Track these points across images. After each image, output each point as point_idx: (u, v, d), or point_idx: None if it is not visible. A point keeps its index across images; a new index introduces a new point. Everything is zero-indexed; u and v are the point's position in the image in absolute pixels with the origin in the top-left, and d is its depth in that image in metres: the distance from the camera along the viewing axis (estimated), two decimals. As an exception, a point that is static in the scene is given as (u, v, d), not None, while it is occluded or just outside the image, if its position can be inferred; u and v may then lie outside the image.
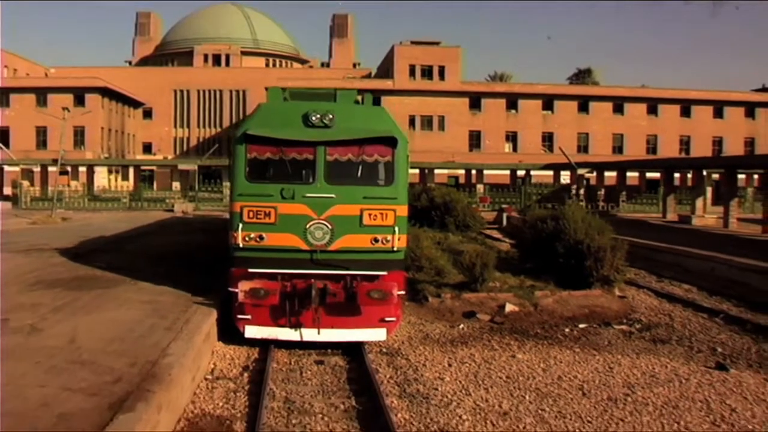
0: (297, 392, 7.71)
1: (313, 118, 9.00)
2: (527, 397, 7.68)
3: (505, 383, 8.19)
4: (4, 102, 59.86)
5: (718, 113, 64.17)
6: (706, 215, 33.42)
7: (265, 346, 9.22)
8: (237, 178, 9.06)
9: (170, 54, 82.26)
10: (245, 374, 8.34)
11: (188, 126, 74.01)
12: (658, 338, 10.70)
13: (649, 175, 49.87)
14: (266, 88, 11.37)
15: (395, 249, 9.04)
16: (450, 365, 8.90)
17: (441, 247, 17.66)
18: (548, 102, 62.94)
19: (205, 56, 78.39)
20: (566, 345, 10.13)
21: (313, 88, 17.33)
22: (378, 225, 8.94)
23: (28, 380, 6.05)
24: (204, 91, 73.86)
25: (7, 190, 48.04)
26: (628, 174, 47.77)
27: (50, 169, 46.31)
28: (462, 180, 53.19)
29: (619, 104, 63.37)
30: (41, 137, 60.16)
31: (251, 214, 8.88)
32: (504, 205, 36.93)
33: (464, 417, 7.01)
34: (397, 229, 9.00)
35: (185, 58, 79.38)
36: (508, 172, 50.76)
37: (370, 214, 8.92)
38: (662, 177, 39.48)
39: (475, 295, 12.53)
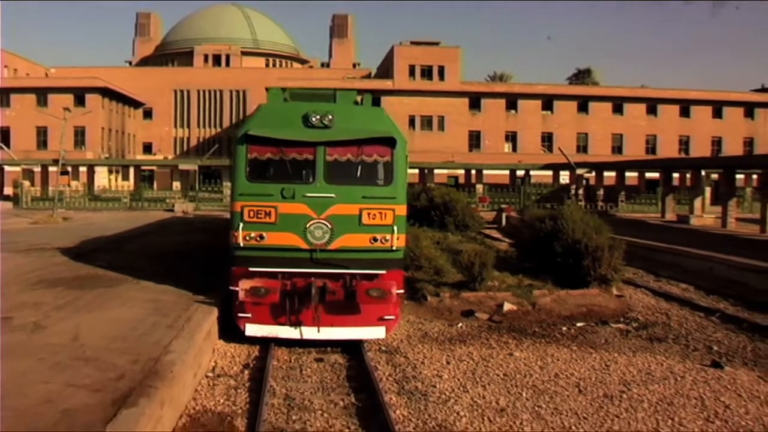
0: (297, 389, 7.81)
1: (313, 119, 9.11)
2: (524, 394, 7.78)
3: (502, 380, 8.29)
4: (4, 102, 60.01)
5: (718, 113, 64.29)
6: (704, 215, 33.54)
7: (265, 344, 9.32)
8: (238, 178, 9.16)
9: (170, 54, 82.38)
10: (246, 372, 8.44)
11: (188, 126, 74.14)
12: (655, 337, 10.80)
13: (648, 175, 49.97)
14: (266, 89, 11.49)
15: (394, 248, 9.15)
16: (448, 363, 9.00)
17: (440, 247, 17.75)
18: (548, 102, 63.07)
19: (206, 56, 78.52)
20: (563, 343, 10.23)
21: (313, 89, 17.44)
22: (377, 224, 9.04)
23: (33, 377, 6.15)
24: (204, 91, 73.99)
25: (8, 190, 48.18)
26: (628, 174, 47.88)
27: (51, 169, 46.45)
28: (461, 180, 53.32)
29: (618, 104, 63.50)
30: (42, 137, 60.29)
31: (252, 214, 8.99)
32: (503, 205, 37.03)
33: (462, 413, 7.11)
34: (396, 228, 9.10)
35: (185, 58, 79.50)
36: (507, 172, 50.88)
37: (369, 214, 9.02)
38: (661, 177, 39.58)
39: (474, 294, 12.63)
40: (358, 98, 11.37)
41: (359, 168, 9.26)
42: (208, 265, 13.52)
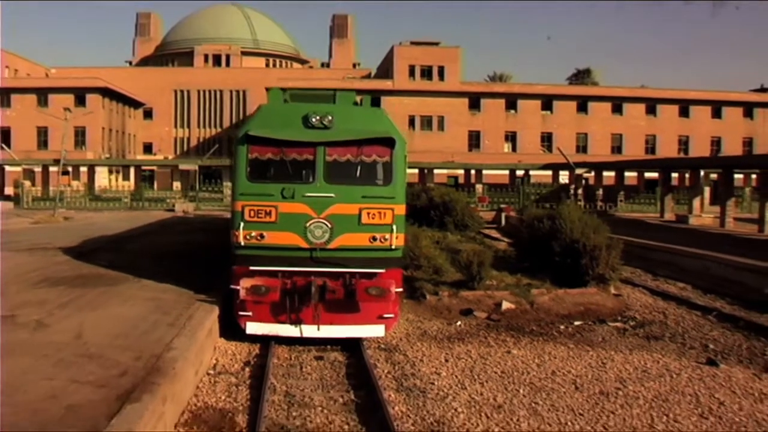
0: (297, 386, 7.92)
1: (313, 120, 9.21)
2: (521, 391, 7.88)
3: (500, 378, 8.40)
4: (5, 102, 60.09)
5: (717, 113, 64.38)
6: (703, 215, 33.66)
7: (265, 342, 9.42)
8: (238, 178, 9.27)
9: (170, 54, 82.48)
10: (246, 369, 8.55)
11: (188, 126, 74.23)
12: (652, 335, 10.90)
13: (647, 175, 50.07)
14: (267, 90, 11.64)
15: (393, 247, 9.25)
16: (446, 361, 9.11)
17: (439, 247, 17.85)
18: (547, 102, 63.15)
19: (206, 56, 78.60)
20: (561, 341, 10.34)
21: (312, 89, 17.53)
22: (376, 224, 9.15)
23: (37, 373, 6.26)
24: (204, 92, 74.09)
25: (9, 190, 48.30)
26: (627, 174, 47.99)
27: (51, 169, 46.56)
28: (461, 180, 53.41)
29: (617, 104, 63.58)
30: (42, 137, 60.38)
31: (252, 213, 9.09)
32: (502, 205, 37.14)
33: (459, 410, 7.22)
34: (395, 227, 9.21)
35: (185, 58, 79.60)
36: (507, 172, 50.97)
37: (368, 213, 9.13)
38: (660, 177, 39.69)
39: (473, 293, 12.73)
40: (358, 99, 11.48)
41: (359, 168, 9.36)
42: (208, 265, 13.63)
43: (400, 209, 9.37)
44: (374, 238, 9.15)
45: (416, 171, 46.95)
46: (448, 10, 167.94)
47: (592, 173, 48.64)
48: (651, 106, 63.58)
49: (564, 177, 49.19)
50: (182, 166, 51.41)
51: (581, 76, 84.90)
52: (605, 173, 47.79)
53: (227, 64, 78.07)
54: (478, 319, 11.62)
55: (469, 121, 62.08)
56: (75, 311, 9.09)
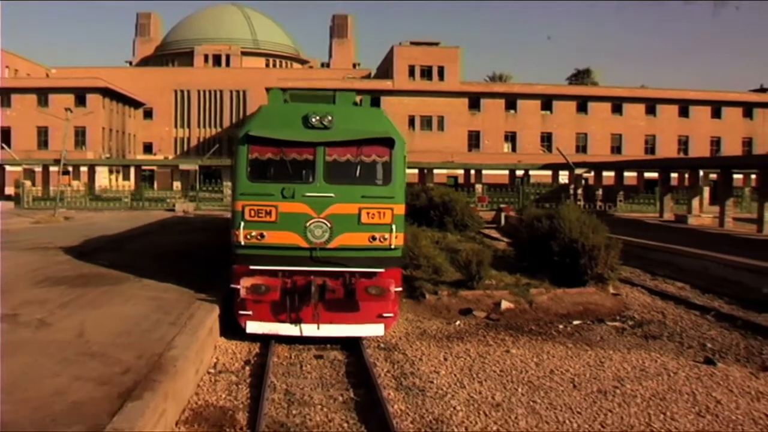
0: (297, 385, 7.98)
1: (313, 120, 9.28)
2: (520, 390, 7.94)
3: (498, 377, 8.46)
4: (5, 102, 60.14)
5: (716, 113, 64.43)
6: (702, 215, 33.73)
7: (265, 341, 9.48)
8: (239, 178, 9.33)
9: (171, 54, 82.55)
10: (247, 368, 8.61)
11: (188, 126, 74.29)
12: (650, 334, 10.96)
13: (647, 175, 50.14)
14: (267, 91, 11.73)
15: (392, 247, 9.31)
16: (446, 359, 9.17)
17: (439, 246, 17.90)
18: (547, 102, 63.21)
19: (206, 56, 78.65)
20: (559, 341, 10.40)
21: (312, 89, 17.60)
22: (376, 223, 9.21)
23: (41, 371, 6.33)
24: (204, 92, 74.15)
25: (9, 190, 48.38)
26: (627, 174, 48.06)
27: (51, 168, 46.62)
28: (461, 180, 53.47)
29: (617, 104, 63.64)
30: (42, 137, 60.44)
31: (253, 213, 9.16)
32: (502, 205, 37.22)
33: (458, 408, 7.28)
34: (394, 227, 9.27)
35: (185, 58, 79.66)
36: (506, 172, 51.04)
37: (368, 213, 9.19)
38: (659, 177, 39.77)
39: (472, 293, 12.79)
40: (358, 99, 11.55)
41: (358, 168, 9.42)
42: (209, 264, 13.69)
43: (400, 209, 9.44)
44: (374, 238, 9.22)
45: (416, 171, 47.03)
46: (448, 10, 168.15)
47: (592, 173, 48.72)
48: (650, 106, 63.65)
49: (564, 177, 49.26)
50: (182, 166, 51.48)
51: (581, 76, 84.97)
52: (605, 173, 47.86)
53: (227, 64, 78.13)
54: (477, 319, 11.68)
55: (468, 121, 62.14)
56: (77, 310, 9.16)
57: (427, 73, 61.66)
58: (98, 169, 54.30)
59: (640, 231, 25.73)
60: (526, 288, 13.17)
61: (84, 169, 52.43)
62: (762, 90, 70.06)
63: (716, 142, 64.05)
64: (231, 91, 73.92)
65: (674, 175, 45.08)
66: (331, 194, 9.16)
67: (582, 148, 61.87)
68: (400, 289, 9.89)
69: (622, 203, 42.33)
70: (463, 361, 9.13)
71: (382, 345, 9.84)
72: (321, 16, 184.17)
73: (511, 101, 62.73)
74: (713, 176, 44.69)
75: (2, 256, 14.39)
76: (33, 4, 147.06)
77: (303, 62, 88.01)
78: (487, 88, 65.81)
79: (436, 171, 49.54)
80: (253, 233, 9.15)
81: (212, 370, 8.41)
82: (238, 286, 9.08)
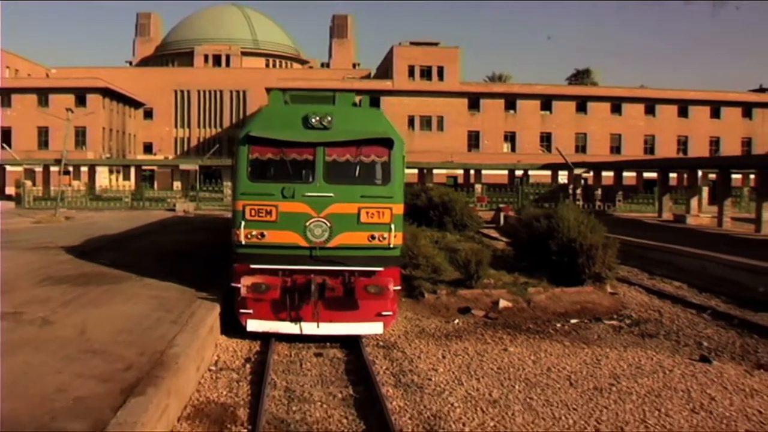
0: (297, 382, 8.07)
1: (313, 120, 9.38)
2: (517, 387, 8.04)
3: (496, 374, 8.55)
4: (5, 102, 60.28)
5: (716, 113, 64.55)
6: (700, 214, 33.84)
7: (266, 339, 9.57)
8: (239, 178, 9.43)
9: (171, 54, 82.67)
10: (247, 365, 8.70)
11: (189, 126, 74.42)
12: (647, 333, 11.05)
13: (646, 175, 50.28)
14: (267, 92, 11.88)
15: (391, 246, 9.42)
16: (444, 357, 9.27)
17: (438, 246, 17.99)
18: (546, 102, 63.33)
19: (206, 57, 78.78)
20: (557, 339, 10.49)
21: (312, 90, 17.73)
22: (375, 223, 9.31)
23: (45, 368, 6.44)
24: (204, 92, 74.26)
25: (10, 190, 48.51)
26: (626, 174, 48.17)
27: (52, 168, 46.74)
28: (461, 180, 53.58)
29: (617, 104, 63.76)
30: (43, 137, 60.56)
31: (253, 213, 9.26)
32: (501, 205, 37.34)
33: (456, 405, 7.38)
34: (393, 226, 9.37)
35: (186, 58, 79.79)
36: (506, 172, 51.17)
37: (367, 213, 9.29)
38: (658, 177, 39.88)
39: (470, 292, 12.89)
40: (357, 99, 11.66)
41: (357, 168, 9.52)
42: (209, 264, 13.79)
43: (399, 209, 9.54)
44: (373, 237, 9.32)
45: (416, 171, 47.15)
46: (448, 10, 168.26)
47: (591, 173, 48.83)
48: (650, 106, 63.76)
49: (563, 177, 49.36)
50: (183, 166, 51.59)
51: (581, 76, 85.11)
52: (604, 173, 47.97)
53: (227, 64, 78.25)
54: (475, 317, 11.77)
55: (468, 121, 62.25)
56: (79, 308, 9.26)
57: (426, 73, 61.78)
58: (99, 169, 54.44)
59: (639, 231, 25.84)
60: (524, 287, 13.27)
61: (84, 169, 52.60)
62: (761, 90, 70.18)
63: (715, 142, 64.17)
64: (231, 91, 74.05)
65: (673, 175, 45.20)
66: (331, 194, 9.26)
67: (581, 148, 61.98)
68: (399, 287, 10.00)
69: (621, 203, 42.45)
70: (461, 358, 9.22)
71: (381, 343, 9.93)
72: (321, 16, 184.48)
73: (510, 101, 62.85)
74: (712, 176, 44.83)
75: (4, 255, 14.50)
76: (33, 4, 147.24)
77: (303, 62, 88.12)
78: (487, 89, 65.94)
79: (435, 171, 49.67)
80: (254, 232, 9.25)
81: (213, 368, 8.51)
82: (239, 285, 9.19)
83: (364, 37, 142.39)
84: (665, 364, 9.13)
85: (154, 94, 71.25)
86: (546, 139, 62.72)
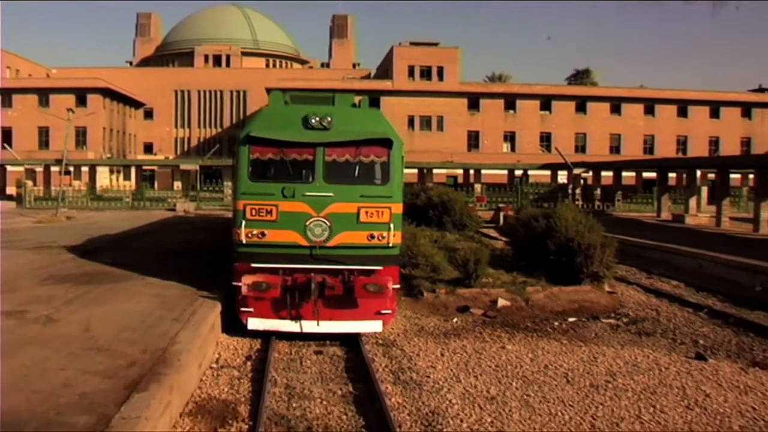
0: (297, 379, 8.18)
1: (313, 121, 9.49)
2: (514, 384, 8.15)
3: (494, 371, 8.66)
4: (6, 102, 60.38)
5: (715, 113, 64.65)
6: (699, 214, 33.94)
7: (266, 337, 9.68)
8: (240, 178, 9.54)
9: (171, 54, 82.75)
10: (248, 363, 8.81)
11: (189, 126, 74.51)
12: (644, 331, 11.16)
13: (646, 174, 50.38)
14: (267, 92, 11.98)
15: (390, 245, 9.53)
16: (442, 355, 9.37)
17: (438, 245, 18.08)
18: (546, 102, 63.44)
19: (206, 57, 78.86)
20: (554, 337, 10.60)
21: (312, 90, 17.84)
22: (374, 222, 9.42)
23: (50, 364, 6.55)
24: (204, 92, 74.36)
25: (10, 190, 48.63)
26: (626, 174, 48.25)
27: (53, 168, 46.87)
28: (460, 180, 53.70)
29: (616, 105, 63.85)
30: (43, 137, 60.67)
31: (254, 212, 9.37)
32: (501, 205, 37.45)
33: (454, 401, 7.49)
34: (392, 226, 9.48)
35: (186, 58, 79.88)
36: (505, 171, 51.30)
37: (366, 212, 9.40)
38: (657, 177, 39.99)
39: (469, 291, 13.00)
40: (357, 100, 11.77)
41: (357, 168, 9.63)
42: (210, 263, 13.91)
43: (398, 208, 9.65)
44: (372, 236, 9.43)
45: (416, 171, 47.28)
46: (448, 10, 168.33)
47: (590, 173, 48.94)
48: (649, 106, 63.87)
49: (562, 177, 49.47)
50: (183, 166, 51.74)
51: (580, 76, 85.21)
52: (603, 173, 48.07)
53: (227, 64, 78.34)
54: (474, 316, 11.88)
55: (468, 121, 62.36)
56: (82, 307, 9.38)
57: (426, 73, 61.89)
58: (99, 169, 54.58)
59: (638, 230, 25.95)
60: (522, 286, 13.38)
61: (85, 169, 52.76)
62: (760, 90, 70.29)
63: (715, 142, 64.27)
64: (231, 92, 74.15)
65: (672, 175, 45.30)
66: (331, 194, 9.38)
67: (581, 148, 62.09)
68: (398, 286, 10.10)
69: (620, 203, 42.58)
70: (459, 356, 9.33)
71: (380, 341, 10.04)
72: (321, 16, 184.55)
73: (510, 101, 62.95)
74: (711, 176, 44.93)
75: (7, 255, 14.62)
76: (33, 4, 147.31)
77: (303, 62, 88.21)
78: (487, 89, 66.07)
79: (435, 171, 49.81)
80: (255, 232, 9.36)
81: (214, 365, 8.62)
82: (240, 284, 9.30)
83: (364, 37, 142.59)
84: (661, 362, 9.23)
85: (154, 94, 71.37)
86: (545, 139, 62.83)
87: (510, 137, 63.21)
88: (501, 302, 12.47)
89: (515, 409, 7.28)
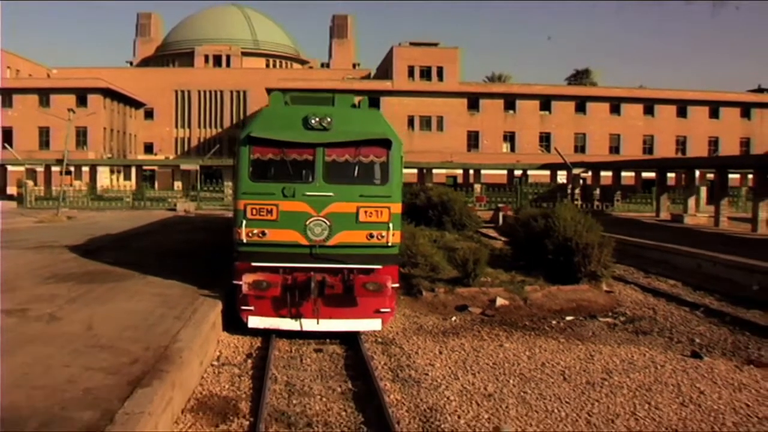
0: (297, 377, 8.29)
1: (313, 122, 9.59)
2: (511, 381, 8.25)
3: (491, 369, 8.77)
4: (7, 102, 60.46)
5: (714, 114, 64.71)
6: (698, 214, 34.04)
7: (267, 335, 9.79)
8: (241, 178, 9.65)
9: (171, 55, 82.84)
10: (249, 361, 8.92)
11: (189, 126, 74.60)
12: (641, 330, 11.27)
13: (645, 175, 50.45)
14: (268, 92, 12.08)
15: (389, 244, 9.63)
16: (441, 353, 9.48)
17: (437, 245, 18.17)
18: (546, 102, 63.49)
19: (206, 57, 78.94)
20: (552, 335, 10.71)
21: (312, 90, 17.93)
22: (373, 221, 9.53)
23: (54, 361, 6.67)
24: (205, 92, 74.45)
25: (11, 190, 48.73)
26: (625, 174, 48.32)
27: (53, 168, 46.98)
28: (460, 180, 53.79)
29: (615, 105, 63.91)
30: (44, 137, 60.75)
31: (254, 212, 9.48)
32: (500, 205, 37.56)
33: (451, 398, 7.60)
34: (391, 225, 9.59)
35: (186, 58, 79.96)
36: (505, 171, 51.38)
37: (365, 212, 9.51)
38: (656, 177, 40.09)
39: (468, 290, 13.11)
40: (356, 100, 11.88)
41: (356, 168, 9.74)
42: (211, 262, 14.01)
43: (397, 208, 9.76)
44: (371, 236, 9.53)
45: (415, 171, 47.38)
46: (448, 10, 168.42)
47: (590, 173, 49.04)
48: (649, 106, 63.92)
49: (562, 177, 49.57)
50: (183, 166, 51.85)
51: (580, 76, 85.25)
52: (603, 173, 48.18)
53: (227, 64, 78.43)
54: (472, 315, 11.99)
55: (467, 121, 62.44)
56: (84, 305, 9.49)
57: (426, 73, 61.96)
58: (100, 169, 54.69)
59: (636, 230, 26.05)
60: (521, 285, 13.48)
61: (86, 169, 52.88)
62: (760, 90, 70.39)
63: (714, 142, 64.33)
64: (231, 92, 74.24)
65: (672, 175, 45.42)
66: (330, 193, 9.48)
67: (580, 148, 62.17)
68: (397, 285, 10.21)
69: (620, 203, 42.68)
70: (457, 354, 9.43)
71: (379, 339, 10.14)
72: (321, 16, 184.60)
73: (509, 101, 63.00)
74: (710, 176, 45.02)
75: (9, 254, 14.72)
76: (33, 4, 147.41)
77: (303, 62, 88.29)
78: (486, 89, 66.15)
79: (435, 171, 49.91)
80: (255, 231, 9.46)
81: (215, 363, 8.72)
82: (241, 283, 9.40)
83: (364, 37, 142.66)
84: (657, 360, 9.34)
85: (154, 94, 71.47)
86: (545, 139, 62.90)
87: (509, 137, 63.28)
88: (499, 301, 12.58)
89: (512, 406, 7.39)
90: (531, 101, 62.87)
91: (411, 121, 61.15)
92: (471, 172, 51.11)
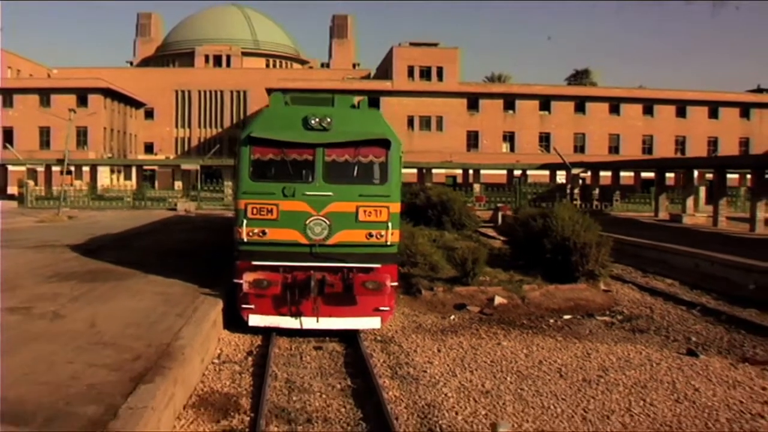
0: (297, 374, 8.39)
1: (313, 122, 9.70)
2: (509, 379, 8.36)
3: (489, 366, 8.87)
4: (7, 102, 60.57)
5: (714, 114, 64.80)
6: (696, 214, 34.18)
7: (267, 333, 9.90)
8: (241, 178, 9.76)
9: (171, 55, 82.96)
10: (249, 358, 9.03)
11: (189, 126, 74.73)
12: (637, 328, 11.37)
13: (644, 174, 50.56)
14: (268, 92, 12.19)
15: (389, 243, 9.74)
16: (439, 351, 9.58)
17: (436, 245, 18.26)
18: (545, 102, 63.58)
19: (206, 57, 79.07)
20: (549, 334, 10.81)
21: (312, 90, 18.05)
22: (372, 221, 9.64)
23: (58, 358, 6.77)
24: (205, 92, 74.57)
25: (12, 190, 48.83)
26: (625, 174, 48.42)
27: (54, 168, 47.07)
28: (460, 179, 53.90)
29: (615, 105, 64.01)
30: (45, 137, 60.84)
31: (255, 211, 9.59)
32: (500, 204, 37.67)
33: (449, 395, 7.70)
34: (390, 224, 9.69)
35: (186, 58, 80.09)
36: (504, 171, 51.47)
37: (365, 211, 9.62)
38: (655, 177, 40.20)
39: (466, 289, 13.21)
40: (356, 100, 11.99)
41: (356, 168, 9.84)
42: (211, 261, 14.12)
43: (396, 207, 9.87)
44: (371, 235, 9.64)
45: (415, 171, 47.48)
46: (448, 10, 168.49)
47: (589, 173, 49.15)
48: (648, 106, 64.01)
49: (561, 177, 49.68)
50: (184, 166, 51.98)
51: (580, 76, 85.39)
52: (602, 173, 48.30)
53: (228, 64, 78.55)
54: (471, 313, 12.09)
55: (467, 121, 62.55)
56: (87, 304, 9.60)
57: (426, 73, 62.07)
58: (100, 168, 54.78)
59: (635, 230, 26.16)
60: (519, 284, 13.58)
61: (86, 168, 52.97)
62: (759, 90, 70.47)
63: (713, 143, 64.43)
64: (231, 92, 74.36)
65: (671, 174, 45.54)
66: (330, 193, 9.59)
67: (580, 148, 62.26)
68: (396, 283, 10.33)
69: (619, 202, 42.78)
70: (455, 352, 9.54)
71: (378, 337, 10.25)
72: (321, 16, 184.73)
73: (509, 101, 63.10)
74: (709, 176, 45.12)
75: (12, 253, 14.83)
76: (33, 4, 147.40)
77: (303, 62, 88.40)
78: (486, 89, 66.25)
79: (434, 171, 50.02)
80: (255, 230, 9.57)
81: (216, 360, 8.83)
82: (241, 281, 9.50)
83: (364, 37, 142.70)
84: (653, 358, 9.44)
85: (155, 94, 71.58)
86: (545, 139, 63.00)
87: (509, 137, 63.38)
88: (498, 300, 12.68)
89: (509, 402, 7.49)
90: (530, 101, 62.97)
91: (411, 121, 61.25)
92: (470, 172, 51.21)
